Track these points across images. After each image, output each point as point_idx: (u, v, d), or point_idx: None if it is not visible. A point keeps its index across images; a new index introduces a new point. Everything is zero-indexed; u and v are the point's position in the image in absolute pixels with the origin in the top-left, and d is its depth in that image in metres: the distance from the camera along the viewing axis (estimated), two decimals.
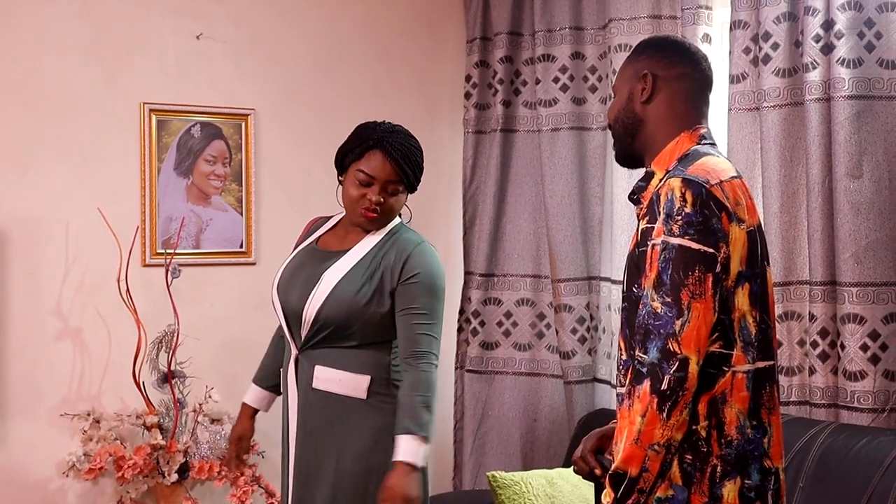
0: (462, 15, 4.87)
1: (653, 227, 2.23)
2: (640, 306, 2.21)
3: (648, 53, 2.46)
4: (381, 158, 3.11)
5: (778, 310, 3.64)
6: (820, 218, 3.50)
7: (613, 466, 2.18)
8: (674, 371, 2.14)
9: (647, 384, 2.14)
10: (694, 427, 2.20)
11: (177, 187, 4.23)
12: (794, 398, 3.61)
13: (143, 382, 4.00)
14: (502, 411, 4.65)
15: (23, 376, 3.96)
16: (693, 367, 2.15)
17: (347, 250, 3.15)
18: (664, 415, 2.14)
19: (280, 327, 3.33)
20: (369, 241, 3.15)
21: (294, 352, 3.15)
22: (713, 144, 2.43)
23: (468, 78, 4.78)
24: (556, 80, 4.48)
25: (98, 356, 4.08)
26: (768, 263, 2.35)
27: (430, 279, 3.12)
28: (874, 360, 3.40)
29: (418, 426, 3.00)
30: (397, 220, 3.22)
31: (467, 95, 4.78)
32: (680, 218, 2.18)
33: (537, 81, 4.52)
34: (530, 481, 3.67)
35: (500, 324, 4.69)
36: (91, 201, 4.03)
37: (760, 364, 2.27)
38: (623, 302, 2.38)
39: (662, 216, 2.20)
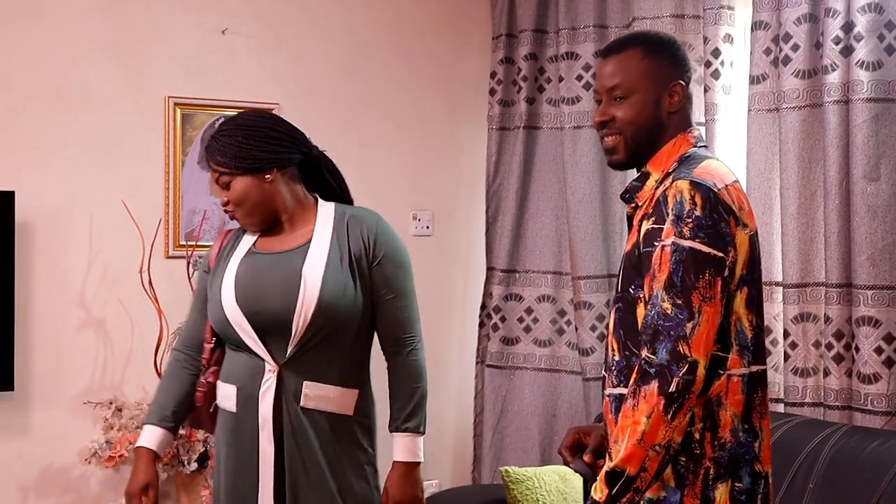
0: (488, 11, 4.89)
1: (660, 228, 2.21)
2: (649, 307, 2.20)
3: (668, 58, 2.40)
4: (207, 164, 2.94)
5: (793, 311, 3.64)
6: (837, 220, 3.50)
7: (612, 464, 2.18)
8: (683, 374, 2.13)
9: (654, 385, 2.14)
10: (689, 429, 2.21)
11: (200, 180, 4.28)
12: (809, 400, 3.62)
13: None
14: (521, 407, 4.67)
15: (47, 365, 4.04)
16: (701, 371, 2.15)
17: (305, 244, 2.90)
18: (669, 416, 2.14)
19: (180, 355, 3.05)
20: (324, 228, 2.92)
21: (271, 368, 2.85)
22: (706, 147, 2.44)
23: (493, 74, 4.80)
24: (580, 77, 4.49)
25: (120, 346, 4.15)
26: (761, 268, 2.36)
27: (401, 256, 2.96)
28: (888, 363, 3.41)
29: (415, 422, 2.91)
30: (326, 203, 2.98)
31: (492, 92, 4.80)
32: (690, 220, 2.18)
33: (561, 79, 4.53)
34: (543, 477, 3.70)
35: (520, 320, 4.72)
36: (115, 194, 4.09)
37: (754, 368, 2.27)
38: (617, 302, 2.36)
39: (671, 217, 2.19)
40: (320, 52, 4.57)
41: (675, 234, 2.18)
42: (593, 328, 4.42)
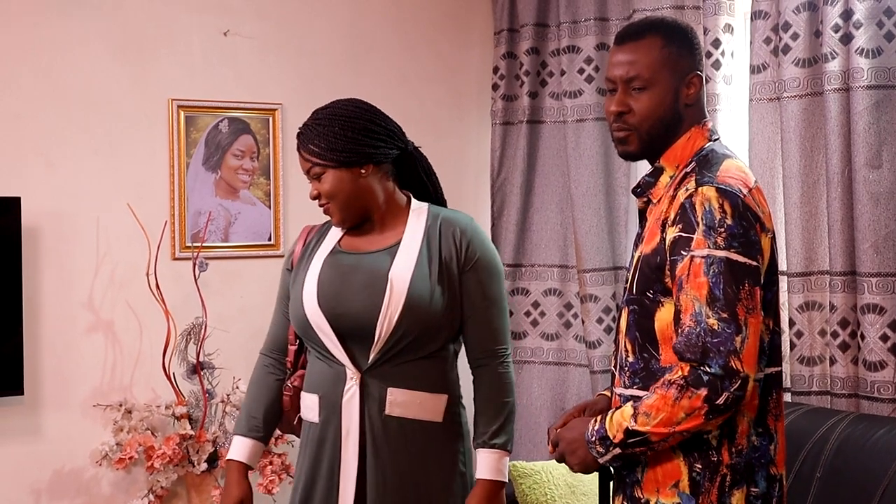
0: (489, 6, 4.89)
1: (689, 238, 2.17)
2: (691, 324, 2.15)
3: (687, 47, 2.34)
4: (299, 153, 2.80)
5: (799, 300, 3.64)
6: (839, 208, 3.50)
7: (637, 427, 2.17)
8: (734, 389, 2.11)
9: (703, 392, 2.12)
10: (705, 436, 2.20)
11: (205, 182, 4.30)
12: (815, 388, 3.62)
13: (174, 374, 4.07)
14: (530, 401, 4.68)
15: (56, 368, 4.06)
16: (751, 385, 2.13)
17: (394, 245, 2.76)
18: (707, 421, 2.15)
19: (266, 359, 2.96)
20: (416, 230, 2.77)
21: (352, 374, 2.72)
22: (719, 139, 2.40)
23: (496, 69, 4.80)
24: (581, 71, 4.50)
25: (129, 348, 4.17)
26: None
27: (495, 262, 2.79)
28: (894, 350, 3.40)
29: (502, 439, 2.71)
30: (419, 203, 2.85)
31: (495, 87, 4.80)
32: (723, 230, 2.14)
33: (563, 73, 4.54)
34: (550, 470, 3.70)
35: (527, 314, 4.72)
36: (120, 197, 4.11)
37: (769, 370, 2.26)
38: (630, 304, 2.31)
39: (702, 227, 2.15)
40: (323, 50, 4.58)
41: (708, 246, 2.14)
42: (600, 321, 4.42)
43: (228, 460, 2.90)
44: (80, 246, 4.10)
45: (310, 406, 2.80)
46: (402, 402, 2.70)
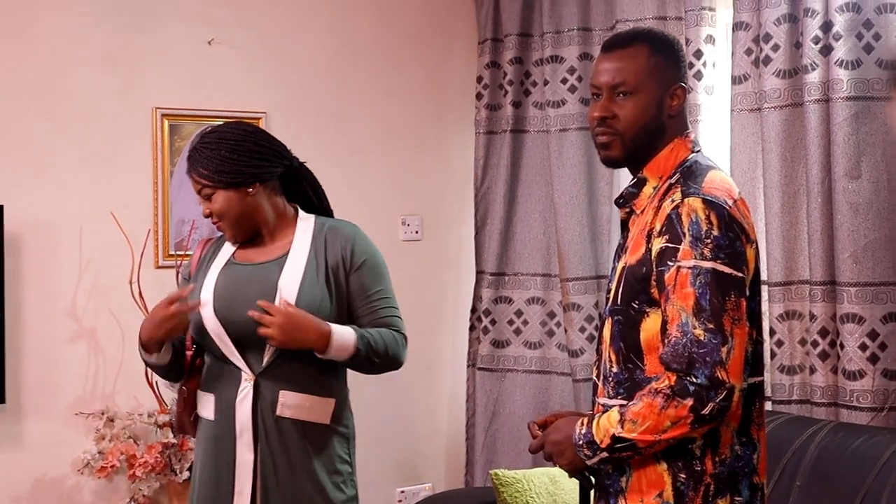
0: (473, 16, 4.91)
1: (676, 248, 2.18)
2: (678, 334, 2.16)
3: (672, 58, 2.35)
4: (189, 176, 2.99)
5: (779, 309, 3.67)
6: (819, 218, 3.53)
7: (624, 434, 2.18)
8: (720, 400, 2.12)
9: (689, 402, 2.13)
10: (689, 446, 2.21)
11: (189, 191, 4.20)
12: (796, 397, 3.65)
13: (156, 382, 4.07)
14: (513, 409, 4.69)
15: (39, 376, 4.06)
16: (737, 395, 2.14)
17: (283, 256, 2.94)
18: (693, 430, 2.16)
19: (175, 361, 3.02)
20: (302, 241, 2.97)
21: (247, 377, 2.89)
22: (701, 151, 2.40)
23: (479, 79, 4.82)
24: (565, 80, 4.52)
25: (112, 356, 4.17)
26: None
27: (379, 264, 3.00)
28: (873, 359, 3.43)
29: (365, 338, 2.86)
30: (307, 214, 3.02)
31: (478, 96, 4.82)
32: (710, 241, 2.15)
33: (546, 82, 4.56)
34: (532, 479, 3.71)
35: (510, 322, 4.74)
36: (104, 205, 4.11)
37: (752, 380, 2.26)
38: (615, 314, 2.32)
39: (689, 238, 2.16)
40: (307, 59, 4.59)
41: (695, 256, 2.15)
42: (582, 329, 4.44)
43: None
44: (63, 254, 4.10)
45: (206, 405, 2.98)
46: (292, 404, 2.89)
